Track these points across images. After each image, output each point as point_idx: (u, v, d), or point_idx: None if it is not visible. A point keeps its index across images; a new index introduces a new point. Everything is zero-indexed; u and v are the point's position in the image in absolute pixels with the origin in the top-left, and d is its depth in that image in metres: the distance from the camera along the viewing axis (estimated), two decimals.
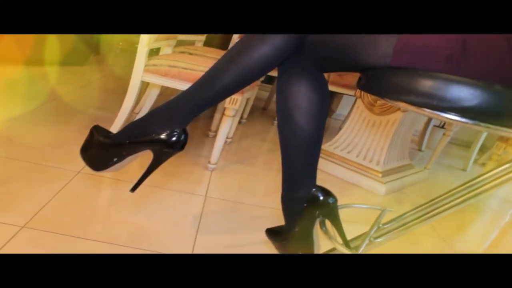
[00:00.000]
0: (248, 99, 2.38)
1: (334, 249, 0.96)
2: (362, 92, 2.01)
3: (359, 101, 2.03)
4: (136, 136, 0.81)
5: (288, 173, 0.87)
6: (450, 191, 0.84)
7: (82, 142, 0.88)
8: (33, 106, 1.84)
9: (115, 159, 0.84)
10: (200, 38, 2.40)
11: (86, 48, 2.92)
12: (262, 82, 3.06)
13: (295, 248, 0.88)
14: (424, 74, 0.67)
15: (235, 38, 2.23)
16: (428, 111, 0.67)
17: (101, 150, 0.84)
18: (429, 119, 2.97)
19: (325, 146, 2.08)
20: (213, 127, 2.14)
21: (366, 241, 0.86)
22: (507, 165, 0.77)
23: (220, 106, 2.10)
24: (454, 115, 0.65)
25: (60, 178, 1.28)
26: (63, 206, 1.14)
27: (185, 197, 1.39)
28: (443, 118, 0.66)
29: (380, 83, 0.74)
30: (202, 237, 1.17)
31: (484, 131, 2.24)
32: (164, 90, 2.22)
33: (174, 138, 0.79)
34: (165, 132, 0.79)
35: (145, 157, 0.86)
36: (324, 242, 0.89)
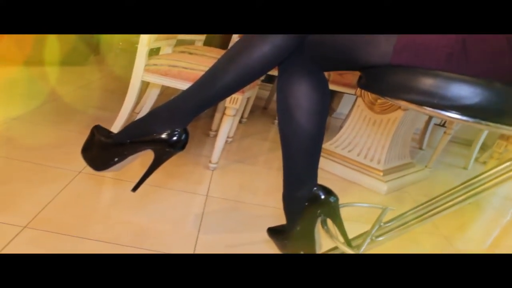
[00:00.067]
0: (248, 99, 2.38)
1: (335, 248, 0.96)
2: (363, 91, 2.01)
3: (359, 100, 2.03)
4: (137, 136, 0.81)
5: (289, 172, 0.87)
6: (451, 189, 0.84)
7: (83, 142, 0.88)
8: (33, 106, 1.84)
9: (116, 159, 0.84)
10: (200, 37, 2.39)
11: (86, 48, 2.92)
12: (263, 81, 3.06)
13: (297, 247, 0.88)
14: (424, 72, 0.66)
15: (235, 37, 2.23)
16: (428, 110, 0.67)
17: (102, 150, 0.84)
18: (430, 118, 2.97)
19: (326, 145, 2.08)
20: (214, 127, 2.14)
21: (368, 240, 0.86)
22: (508, 163, 0.77)
23: (220, 105, 2.10)
24: (455, 113, 0.65)
25: (61, 178, 1.28)
26: (65, 206, 1.14)
27: (186, 197, 1.39)
28: (444, 117, 0.66)
29: (381, 82, 0.73)
30: (204, 236, 1.17)
31: (485, 129, 2.24)
32: (164, 89, 2.22)
33: (175, 138, 0.79)
34: (166, 131, 0.79)
35: (146, 156, 0.86)
36: (325, 241, 0.89)
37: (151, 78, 1.57)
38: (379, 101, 1.92)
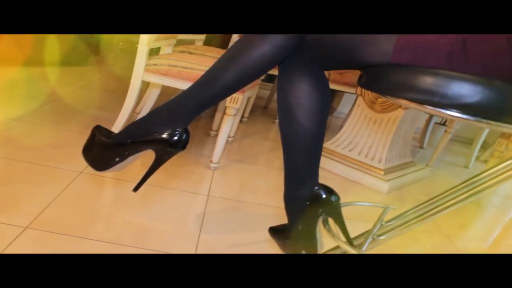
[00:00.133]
0: (249, 98, 2.38)
1: (337, 247, 0.96)
2: (363, 90, 2.01)
3: (360, 99, 2.03)
4: (137, 136, 0.81)
5: (290, 171, 0.87)
6: (452, 188, 0.84)
7: (83, 142, 0.88)
8: (33, 107, 1.85)
9: (117, 159, 0.84)
10: (200, 37, 2.39)
11: (86, 48, 2.92)
12: (263, 80, 3.06)
13: (298, 247, 0.88)
14: (425, 71, 0.66)
15: (235, 37, 2.23)
16: (429, 108, 0.67)
17: (103, 150, 0.84)
18: (430, 117, 2.97)
19: (326, 144, 2.08)
20: (215, 126, 2.14)
21: (369, 239, 0.86)
22: (509, 162, 0.76)
23: (221, 105, 2.10)
24: (456, 111, 0.64)
25: (62, 179, 1.28)
26: (66, 207, 1.14)
27: (187, 197, 1.39)
28: (445, 115, 0.66)
29: (381, 81, 0.73)
30: (205, 236, 1.17)
31: (485, 128, 2.24)
32: (165, 89, 2.22)
33: (176, 138, 0.79)
34: (166, 131, 0.79)
35: (147, 156, 0.86)
36: (327, 240, 0.89)
37: (151, 78, 1.57)
38: (379, 100, 1.92)
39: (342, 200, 0.86)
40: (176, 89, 1.51)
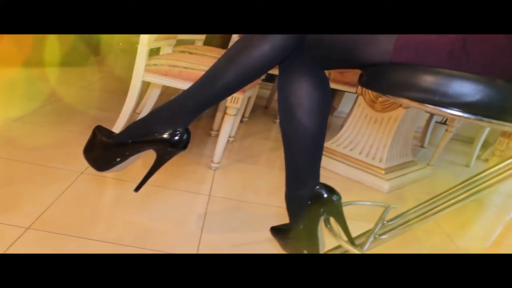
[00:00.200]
0: (249, 98, 2.38)
1: (339, 246, 0.95)
2: (364, 89, 2.01)
3: (360, 98, 2.03)
4: (138, 136, 0.81)
5: (291, 171, 0.87)
6: (453, 187, 0.84)
7: (84, 143, 0.88)
8: (33, 107, 1.85)
9: (118, 159, 0.84)
10: (200, 37, 2.39)
11: (86, 49, 2.92)
12: (263, 80, 3.06)
13: (300, 246, 0.88)
14: (425, 69, 0.66)
15: (235, 37, 2.23)
16: (430, 107, 0.67)
17: (104, 150, 0.84)
18: (431, 116, 2.96)
19: (327, 144, 2.08)
20: (215, 126, 2.14)
21: (371, 238, 0.86)
22: (510, 161, 0.76)
23: (221, 105, 2.10)
24: (457, 110, 0.64)
25: (63, 179, 1.28)
26: (67, 207, 1.14)
27: (189, 197, 1.39)
28: (446, 114, 0.66)
29: (382, 80, 0.73)
30: (207, 236, 1.17)
31: (486, 127, 2.24)
32: (165, 89, 2.22)
33: (176, 137, 0.79)
34: (167, 131, 0.79)
35: (148, 157, 0.86)
36: (329, 240, 0.89)
37: (152, 78, 1.57)
38: (380, 99, 1.92)
39: (343, 200, 0.86)
40: (176, 89, 1.51)
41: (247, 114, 2.55)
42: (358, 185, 1.90)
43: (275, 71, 2.15)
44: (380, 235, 0.87)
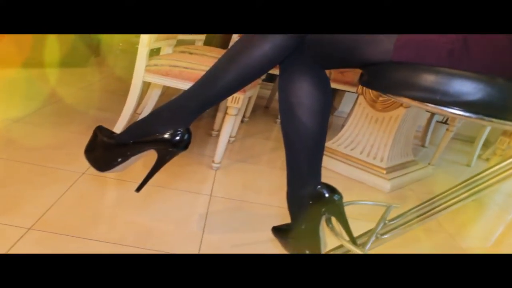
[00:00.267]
0: (250, 98, 2.38)
1: (341, 246, 0.95)
2: (364, 89, 2.01)
3: (361, 98, 2.03)
4: (139, 136, 0.81)
5: (293, 170, 0.87)
6: (454, 186, 0.84)
7: (85, 143, 0.88)
8: (34, 108, 1.85)
9: (119, 159, 0.84)
10: (200, 37, 2.40)
11: (86, 49, 2.92)
12: (264, 80, 3.06)
13: (302, 246, 0.88)
14: (426, 68, 0.66)
15: (235, 37, 2.23)
16: (431, 106, 0.66)
17: (105, 151, 0.84)
18: (432, 115, 2.96)
19: (328, 144, 2.08)
20: (216, 126, 2.14)
21: (373, 238, 0.86)
22: (511, 160, 0.76)
23: (222, 105, 2.10)
24: (458, 109, 0.64)
25: (64, 180, 1.28)
26: (68, 208, 1.14)
27: (190, 197, 1.39)
28: (447, 113, 0.66)
29: (382, 79, 0.73)
30: (209, 236, 1.17)
31: (488, 126, 2.23)
32: (166, 90, 2.22)
33: (177, 137, 0.79)
34: (168, 131, 0.79)
35: (149, 157, 0.86)
36: (330, 239, 0.89)
37: (152, 79, 1.57)
38: (380, 98, 1.92)
39: (344, 199, 0.86)
40: (177, 89, 1.51)
41: (247, 114, 2.55)
42: (359, 185, 1.90)
43: (275, 71, 2.15)
44: (382, 234, 0.87)
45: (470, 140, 3.25)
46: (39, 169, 1.32)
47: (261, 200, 1.48)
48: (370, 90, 1.96)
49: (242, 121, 2.44)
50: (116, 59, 3.69)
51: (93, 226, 1.09)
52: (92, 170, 0.87)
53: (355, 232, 0.87)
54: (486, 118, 0.64)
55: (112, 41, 3.89)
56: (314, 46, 0.79)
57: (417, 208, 0.88)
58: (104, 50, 3.47)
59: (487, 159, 2.99)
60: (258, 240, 1.21)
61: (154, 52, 1.73)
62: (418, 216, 0.84)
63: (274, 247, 1.17)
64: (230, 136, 2.05)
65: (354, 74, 2.43)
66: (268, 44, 0.75)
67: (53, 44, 2.53)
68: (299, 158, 0.85)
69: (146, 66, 1.55)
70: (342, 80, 2.44)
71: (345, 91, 2.75)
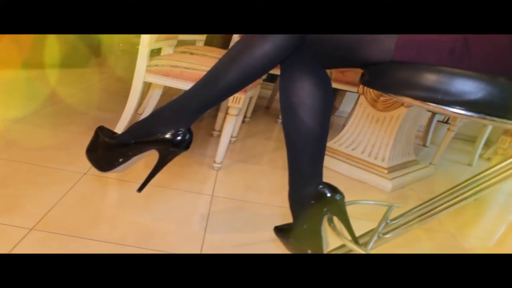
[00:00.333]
0: (251, 98, 2.38)
1: (343, 245, 0.95)
2: (365, 89, 2.01)
3: (362, 98, 2.03)
4: (141, 136, 0.81)
5: (294, 170, 0.87)
6: (456, 186, 0.84)
7: (86, 143, 0.88)
8: (35, 109, 1.85)
9: (120, 160, 0.84)
10: (201, 37, 2.40)
11: (87, 50, 2.93)
12: (264, 80, 3.06)
13: (304, 246, 0.88)
14: (428, 68, 0.66)
15: (236, 37, 2.23)
16: (432, 105, 0.66)
17: (107, 151, 0.85)
18: (433, 115, 2.96)
19: (329, 144, 2.07)
20: (217, 127, 2.14)
21: (375, 237, 0.86)
22: None
23: (223, 105, 2.10)
24: (459, 108, 0.64)
25: (66, 180, 1.28)
26: (70, 208, 1.14)
27: (191, 197, 1.39)
28: (448, 112, 0.66)
29: (384, 78, 0.73)
30: (210, 236, 1.17)
31: (489, 125, 2.23)
32: (167, 90, 2.22)
33: (179, 138, 0.79)
34: (170, 131, 0.79)
35: (151, 157, 0.86)
36: (332, 239, 0.89)
37: (153, 79, 1.57)
38: (381, 98, 1.92)
39: (346, 199, 0.86)
40: (178, 90, 1.51)
41: (248, 114, 2.55)
42: (360, 185, 1.90)
43: (276, 71, 2.15)
44: (384, 234, 0.87)
45: (472, 140, 3.25)
46: (40, 169, 1.32)
47: (263, 200, 1.48)
48: (371, 90, 1.96)
49: (243, 121, 2.44)
50: (117, 60, 3.69)
51: (95, 226, 1.09)
52: (94, 171, 0.88)
53: (357, 231, 0.87)
54: (487, 117, 0.64)
55: (113, 42, 3.89)
56: (314, 46, 0.79)
57: (418, 208, 0.88)
58: (104, 51, 3.48)
59: (489, 159, 2.98)
60: (260, 240, 1.21)
61: (155, 53, 1.73)
62: (419, 216, 0.84)
63: (276, 247, 1.17)
64: (231, 136, 2.05)
65: (355, 74, 2.43)
66: (268, 44, 0.75)
67: (53, 45, 2.53)
68: (300, 158, 0.85)
69: (147, 66, 1.55)
70: (343, 80, 2.44)
71: (346, 91, 2.75)
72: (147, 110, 2.05)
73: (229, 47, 0.85)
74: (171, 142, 0.79)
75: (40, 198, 1.15)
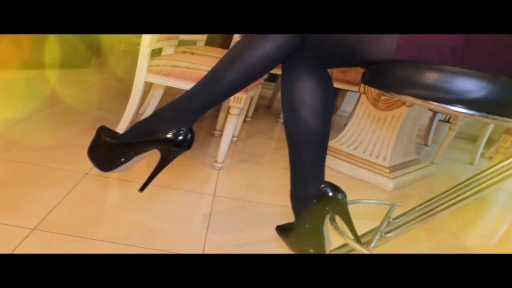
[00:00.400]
0: (252, 98, 2.38)
1: (345, 244, 0.95)
2: (366, 88, 2.01)
3: (363, 97, 2.03)
4: (142, 136, 0.81)
5: (296, 169, 0.87)
6: (458, 185, 0.83)
7: (87, 144, 0.88)
8: (36, 109, 1.85)
9: (122, 159, 0.84)
10: (202, 37, 2.40)
11: (87, 50, 2.93)
12: (266, 80, 3.05)
13: (306, 245, 0.88)
14: (429, 67, 0.66)
15: (236, 37, 2.23)
16: (434, 104, 0.66)
17: (108, 151, 0.85)
18: (434, 114, 2.96)
19: (331, 143, 2.07)
20: (219, 126, 2.14)
21: (377, 236, 0.86)
22: None
23: (224, 105, 2.10)
24: (461, 107, 0.64)
25: (67, 180, 1.28)
26: (72, 208, 1.14)
27: (193, 197, 1.39)
28: (450, 111, 0.66)
29: (385, 77, 0.73)
30: (212, 236, 1.17)
31: (491, 123, 2.23)
32: (168, 90, 2.23)
33: (180, 137, 0.79)
34: (171, 131, 0.79)
35: (152, 157, 0.86)
36: (335, 238, 0.89)
37: (154, 79, 1.57)
38: (383, 97, 1.92)
39: (348, 198, 0.86)
40: (179, 90, 1.51)
41: (250, 114, 2.55)
42: (362, 184, 1.90)
43: (277, 71, 2.15)
44: (386, 233, 0.87)
45: (473, 139, 3.24)
46: (41, 169, 1.32)
47: (265, 200, 1.48)
48: (372, 89, 1.96)
49: (244, 121, 2.44)
50: (118, 60, 3.69)
51: (97, 226, 1.09)
52: (95, 170, 0.88)
53: (359, 230, 0.86)
54: (489, 115, 0.64)
55: (113, 42, 3.90)
56: (315, 46, 0.79)
57: (420, 207, 0.88)
58: (105, 51, 3.48)
59: (490, 158, 2.98)
60: (262, 239, 1.21)
61: (156, 53, 1.74)
62: (421, 215, 0.84)
63: (278, 246, 1.17)
64: (233, 136, 2.05)
65: (356, 73, 2.43)
66: (269, 43, 0.75)
67: (53, 45, 2.53)
68: (302, 157, 0.85)
69: (148, 66, 1.55)
70: (344, 79, 2.44)
71: (347, 90, 2.75)
72: (148, 110, 2.05)
73: (230, 47, 0.85)
74: (173, 141, 0.79)
75: (42, 198, 1.16)
